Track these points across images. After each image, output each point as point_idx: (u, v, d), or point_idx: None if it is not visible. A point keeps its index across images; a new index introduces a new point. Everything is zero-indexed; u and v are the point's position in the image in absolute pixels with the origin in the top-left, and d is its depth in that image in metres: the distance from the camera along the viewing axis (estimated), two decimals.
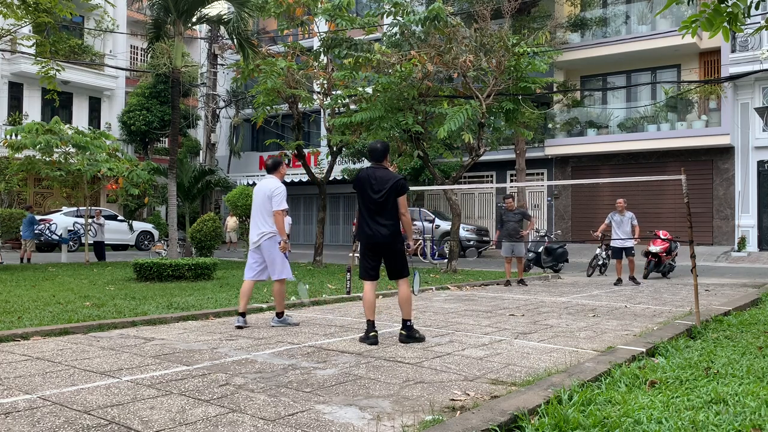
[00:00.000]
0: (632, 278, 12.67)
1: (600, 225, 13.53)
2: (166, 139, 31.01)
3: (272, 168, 7.04)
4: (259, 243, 6.76)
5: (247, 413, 3.64)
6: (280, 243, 6.70)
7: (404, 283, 6.01)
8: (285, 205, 6.71)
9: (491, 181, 26.03)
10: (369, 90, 15.15)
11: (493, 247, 25.28)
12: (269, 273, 6.84)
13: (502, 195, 12.70)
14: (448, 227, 19.38)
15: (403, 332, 5.95)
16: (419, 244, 6.68)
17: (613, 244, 12.75)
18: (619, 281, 12.57)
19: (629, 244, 12.44)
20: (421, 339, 5.96)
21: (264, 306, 8.16)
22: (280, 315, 6.88)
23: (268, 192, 6.72)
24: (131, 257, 17.40)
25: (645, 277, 13.85)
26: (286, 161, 28.62)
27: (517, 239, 12.21)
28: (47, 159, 17.38)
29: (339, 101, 15.99)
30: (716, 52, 22.08)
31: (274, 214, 6.66)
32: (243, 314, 6.77)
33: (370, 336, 5.85)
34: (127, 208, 29.17)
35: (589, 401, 3.77)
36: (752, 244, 20.88)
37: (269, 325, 6.90)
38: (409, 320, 5.96)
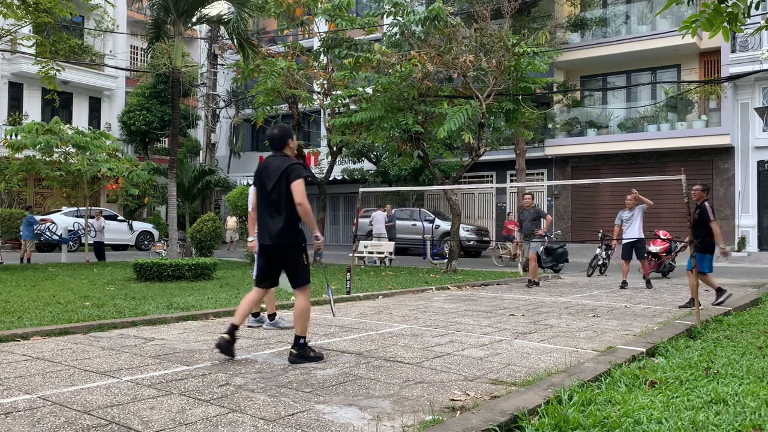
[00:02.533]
0: (647, 281, 11.92)
1: (600, 227, 13.31)
2: (166, 139, 31.01)
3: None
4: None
5: (247, 413, 3.64)
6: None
7: (301, 294, 5.10)
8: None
9: (491, 181, 26.03)
10: (369, 90, 15.16)
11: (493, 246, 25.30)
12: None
13: (520, 195, 12.46)
14: (448, 227, 19.38)
15: (293, 351, 5.03)
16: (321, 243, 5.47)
17: (623, 242, 11.94)
18: (624, 284, 11.82)
19: (637, 236, 11.57)
20: (317, 358, 5.05)
21: (263, 306, 8.14)
22: (272, 317, 6.80)
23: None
24: (131, 257, 17.39)
25: (645, 277, 13.83)
26: None
27: (530, 238, 12.13)
28: (47, 159, 17.37)
29: (339, 101, 16.00)
30: (716, 52, 22.08)
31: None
32: (272, 315, 6.75)
33: (221, 337, 5.03)
34: (127, 208, 29.17)
35: (589, 401, 3.77)
36: (752, 244, 20.87)
37: (262, 327, 6.86)
38: (303, 337, 5.05)
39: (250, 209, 6.40)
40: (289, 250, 5.06)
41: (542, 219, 12.36)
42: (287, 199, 4.97)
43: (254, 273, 6.76)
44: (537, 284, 12.28)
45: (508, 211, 23.99)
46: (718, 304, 8.57)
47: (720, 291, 8.79)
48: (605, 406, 3.69)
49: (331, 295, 6.43)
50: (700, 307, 7.14)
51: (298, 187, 4.93)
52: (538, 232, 12.15)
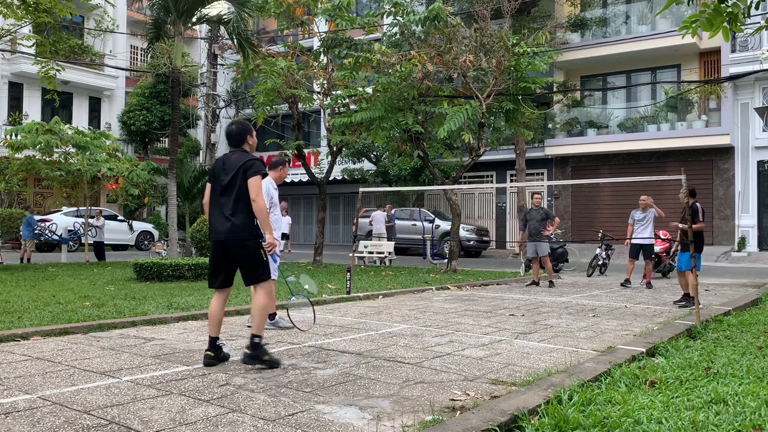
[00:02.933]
0: (648, 283, 11.93)
1: (600, 227, 13.32)
2: (166, 139, 31.02)
3: (272, 166, 6.82)
4: None
5: (247, 413, 3.64)
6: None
7: (261, 290, 4.89)
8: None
9: (491, 181, 26.03)
10: (369, 90, 15.16)
11: (493, 247, 25.30)
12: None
13: (533, 193, 12.47)
14: (448, 227, 19.38)
15: (247, 350, 4.82)
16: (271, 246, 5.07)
17: (633, 242, 11.98)
18: (627, 282, 11.94)
19: (649, 241, 11.73)
20: (272, 363, 4.77)
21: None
22: (272, 317, 6.76)
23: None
24: (131, 257, 17.39)
25: (646, 278, 13.82)
26: (286, 161, 28.47)
27: (538, 238, 12.11)
28: (47, 159, 17.37)
29: (339, 101, 16.00)
30: (716, 52, 22.08)
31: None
32: (272, 315, 6.74)
33: (206, 354, 4.86)
34: (127, 208, 29.16)
35: (589, 401, 3.77)
36: (752, 244, 20.87)
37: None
38: (259, 337, 4.82)
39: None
40: (244, 245, 4.85)
41: (550, 220, 12.37)
42: (243, 194, 4.83)
43: None
44: (537, 284, 12.29)
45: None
46: (678, 305, 8.93)
47: (689, 296, 8.88)
48: (605, 406, 3.69)
49: (292, 302, 6.35)
50: (699, 306, 7.23)
51: (254, 183, 4.80)
52: (544, 233, 12.16)
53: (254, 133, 5.18)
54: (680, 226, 8.84)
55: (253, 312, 4.94)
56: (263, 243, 4.92)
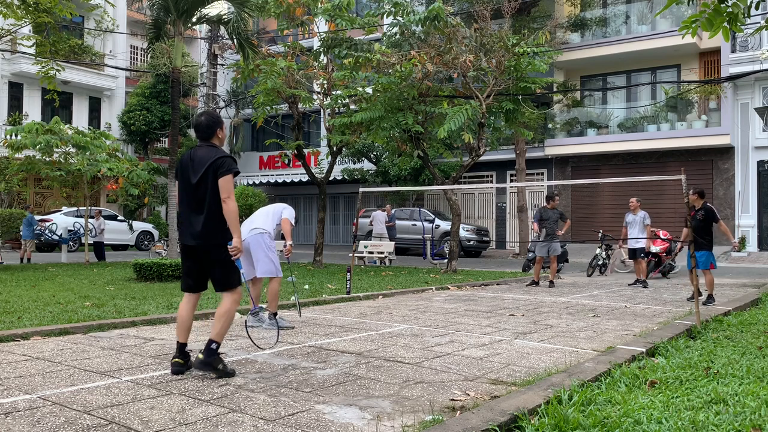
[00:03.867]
0: (641, 281, 12.12)
1: (600, 227, 13.41)
2: (166, 139, 31.01)
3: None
4: (246, 240, 6.53)
5: (247, 413, 3.64)
6: (286, 246, 6.84)
7: (228, 298, 4.60)
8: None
9: (491, 181, 26.03)
10: (369, 90, 15.16)
11: (493, 247, 25.30)
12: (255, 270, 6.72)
13: (554, 195, 12.52)
14: (448, 227, 19.38)
15: (200, 355, 4.45)
16: (236, 252, 4.67)
17: (628, 245, 12.42)
18: (636, 282, 12.18)
19: (639, 245, 12.06)
20: (226, 373, 4.45)
21: (263, 306, 8.15)
22: (272, 316, 6.73)
23: (273, 208, 6.97)
24: (131, 257, 17.40)
25: (638, 277, 13.83)
26: (286, 161, 28.47)
27: (552, 239, 12.12)
28: (47, 159, 17.37)
29: (339, 101, 16.00)
30: (716, 52, 22.08)
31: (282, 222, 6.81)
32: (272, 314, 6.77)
33: (173, 362, 4.55)
34: (127, 208, 29.16)
35: (589, 401, 3.77)
36: (752, 244, 20.87)
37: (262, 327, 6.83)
38: (217, 344, 4.48)
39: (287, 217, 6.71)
40: (214, 250, 4.54)
41: (562, 221, 12.40)
42: (213, 195, 4.48)
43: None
44: (537, 284, 12.30)
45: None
46: (704, 304, 9.01)
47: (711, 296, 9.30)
48: (605, 406, 3.69)
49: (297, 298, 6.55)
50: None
51: (225, 184, 4.45)
52: (558, 233, 12.21)
53: (224, 125, 4.89)
54: (684, 232, 9.32)
55: (217, 316, 4.57)
56: (229, 246, 4.56)
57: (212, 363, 4.42)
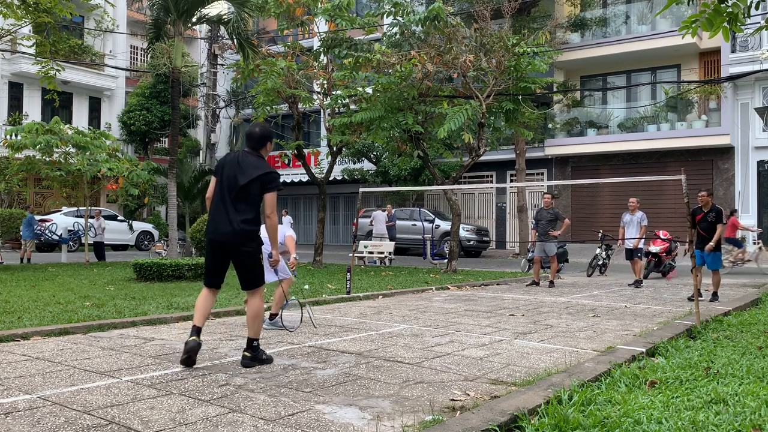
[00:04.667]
0: (636, 281, 12.23)
1: (600, 227, 13.41)
2: (166, 139, 31.02)
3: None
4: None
5: (247, 413, 3.64)
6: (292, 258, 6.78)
7: (255, 296, 4.93)
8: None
9: (491, 181, 26.03)
10: (369, 90, 15.16)
11: (493, 247, 25.31)
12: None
13: (544, 194, 12.53)
14: (448, 227, 19.38)
15: (246, 353, 4.86)
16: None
17: (624, 245, 12.47)
18: (637, 282, 12.25)
19: (631, 245, 12.14)
20: (268, 361, 4.92)
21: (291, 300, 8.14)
22: (272, 317, 6.75)
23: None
24: (131, 257, 17.40)
25: (645, 277, 13.82)
26: (286, 161, 28.44)
27: (546, 239, 12.10)
28: (47, 159, 17.37)
29: (339, 101, 16.00)
30: (716, 52, 22.09)
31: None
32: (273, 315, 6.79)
33: (190, 339, 4.74)
34: (127, 208, 29.16)
35: (589, 401, 3.77)
36: (752, 244, 20.85)
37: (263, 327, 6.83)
38: (256, 340, 4.90)
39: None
40: (246, 250, 4.83)
41: (559, 221, 12.36)
42: (254, 202, 4.82)
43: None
44: (537, 284, 12.29)
45: (734, 208, 19.86)
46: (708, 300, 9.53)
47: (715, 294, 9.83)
48: (605, 406, 3.69)
49: (303, 307, 6.57)
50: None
51: (271, 200, 4.81)
52: (552, 233, 12.15)
53: (273, 141, 5.20)
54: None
55: (251, 317, 4.90)
56: (269, 259, 5.18)
57: (258, 356, 4.87)
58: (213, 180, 5.01)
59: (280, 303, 6.80)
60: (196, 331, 4.79)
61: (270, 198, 4.81)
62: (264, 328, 6.68)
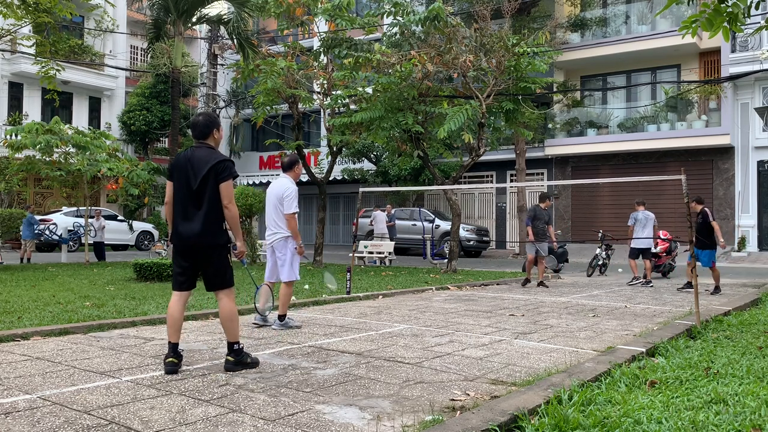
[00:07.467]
0: (643, 279, 12.36)
1: (600, 227, 13.49)
2: (166, 139, 31.01)
3: (287, 167, 6.78)
4: (271, 244, 6.73)
5: (247, 413, 3.64)
6: (295, 247, 6.63)
7: (226, 297, 4.75)
8: (295, 208, 6.50)
9: (491, 181, 26.03)
10: (369, 90, 15.15)
11: (493, 247, 25.31)
12: (279, 274, 6.79)
13: (545, 194, 12.57)
14: (448, 227, 19.38)
15: (229, 358, 4.68)
16: (243, 253, 5.07)
17: (633, 244, 12.50)
18: (635, 279, 12.45)
19: (643, 245, 12.33)
20: (254, 364, 4.75)
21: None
22: (282, 318, 6.73)
23: (279, 193, 6.58)
24: (131, 257, 17.40)
25: (645, 277, 13.83)
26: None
27: (543, 239, 12.15)
28: (47, 159, 17.37)
29: (339, 101, 16.00)
30: (716, 52, 22.08)
31: (286, 217, 6.55)
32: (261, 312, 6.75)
33: (167, 361, 4.57)
34: (127, 208, 29.16)
35: (589, 401, 3.77)
36: (752, 244, 20.87)
37: (271, 327, 6.82)
38: (237, 343, 4.71)
39: (290, 211, 6.44)
40: (211, 251, 4.68)
41: (549, 223, 12.41)
42: (213, 197, 4.60)
43: (266, 272, 6.81)
44: (529, 281, 12.31)
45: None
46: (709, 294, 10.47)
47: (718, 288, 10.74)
48: (605, 406, 3.69)
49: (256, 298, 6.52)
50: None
51: (226, 189, 4.60)
52: (551, 235, 12.20)
53: (221, 127, 4.96)
54: (722, 243, 10.66)
55: (225, 320, 4.71)
56: (234, 251, 4.83)
57: (242, 360, 4.71)
58: (169, 185, 4.82)
59: (287, 303, 6.77)
60: (173, 348, 4.60)
61: (225, 187, 4.60)
62: (273, 329, 6.66)
